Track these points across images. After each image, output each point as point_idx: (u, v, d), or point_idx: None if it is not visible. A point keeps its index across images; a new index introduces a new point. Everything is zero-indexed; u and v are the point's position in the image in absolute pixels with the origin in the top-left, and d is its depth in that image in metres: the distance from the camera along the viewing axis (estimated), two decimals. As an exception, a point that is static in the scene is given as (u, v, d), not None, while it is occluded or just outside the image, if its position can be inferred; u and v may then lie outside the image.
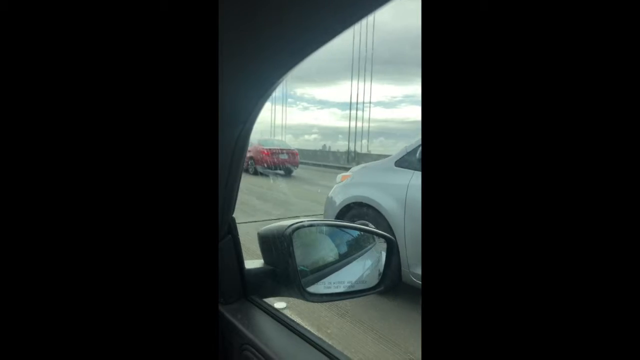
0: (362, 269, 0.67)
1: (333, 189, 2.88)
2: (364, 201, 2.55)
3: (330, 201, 2.81)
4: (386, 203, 2.39)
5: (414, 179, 2.31)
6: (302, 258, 0.63)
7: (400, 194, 2.32)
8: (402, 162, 2.45)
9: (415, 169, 2.34)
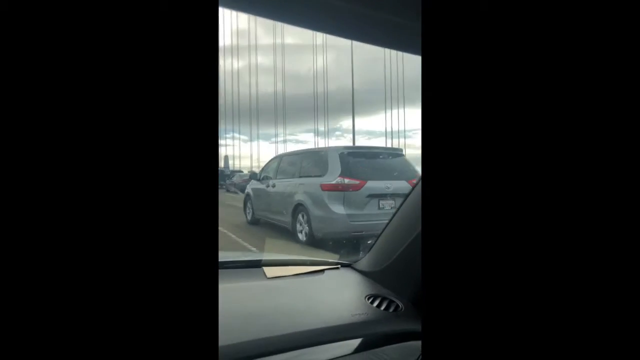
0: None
1: (246, 189, 6.09)
2: (250, 193, 5.64)
3: (245, 194, 5.96)
4: (252, 192, 5.49)
5: (252, 184, 5.55)
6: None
7: (251, 188, 5.56)
8: (253, 177, 5.74)
9: (254, 180, 5.58)
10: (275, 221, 4.83)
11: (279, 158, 5.42)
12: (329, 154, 4.68)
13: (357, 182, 4.09)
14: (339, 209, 4.31)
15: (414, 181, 4.14)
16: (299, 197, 4.63)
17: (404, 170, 4.33)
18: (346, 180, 4.34)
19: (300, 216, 4.70)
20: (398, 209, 0.83)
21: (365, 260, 0.90)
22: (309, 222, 4.17)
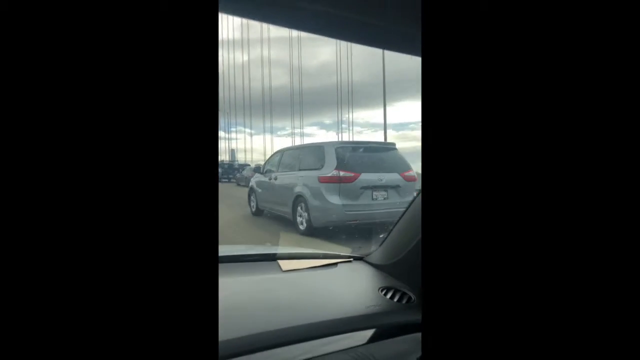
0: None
1: (250, 182, 6.34)
2: (254, 185, 5.92)
3: (250, 187, 6.22)
4: (256, 185, 5.77)
5: (256, 177, 5.87)
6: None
7: (254, 181, 5.83)
8: (257, 170, 6.05)
9: (257, 173, 5.92)
10: (278, 212, 5.15)
11: (281, 152, 5.72)
12: (325, 148, 4.97)
13: (351, 174, 4.38)
14: (335, 200, 4.60)
15: (406, 173, 4.41)
16: (299, 189, 4.93)
17: (396, 163, 4.59)
18: (341, 173, 4.62)
19: (300, 207, 5.00)
20: (409, 204, 0.85)
21: (377, 254, 0.95)
22: (307, 212, 4.46)
